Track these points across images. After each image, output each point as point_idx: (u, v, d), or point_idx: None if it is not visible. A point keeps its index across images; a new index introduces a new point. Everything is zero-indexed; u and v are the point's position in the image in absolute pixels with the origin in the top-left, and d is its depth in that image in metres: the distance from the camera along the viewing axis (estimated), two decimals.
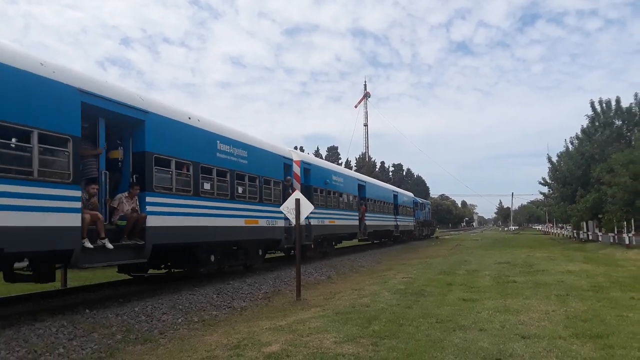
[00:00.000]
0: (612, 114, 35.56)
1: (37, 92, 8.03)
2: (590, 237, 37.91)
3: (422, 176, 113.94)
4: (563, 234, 53.15)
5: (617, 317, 8.29)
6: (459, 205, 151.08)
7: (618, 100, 35.27)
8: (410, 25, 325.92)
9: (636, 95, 34.08)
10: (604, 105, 36.23)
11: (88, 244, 8.78)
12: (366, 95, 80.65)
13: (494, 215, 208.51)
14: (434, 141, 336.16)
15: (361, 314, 8.93)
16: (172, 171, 11.21)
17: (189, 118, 12.17)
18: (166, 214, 10.92)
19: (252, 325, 8.60)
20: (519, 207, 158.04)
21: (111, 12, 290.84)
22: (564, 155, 41.32)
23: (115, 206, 10.07)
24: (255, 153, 15.19)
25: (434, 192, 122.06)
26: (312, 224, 19.22)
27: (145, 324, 8.75)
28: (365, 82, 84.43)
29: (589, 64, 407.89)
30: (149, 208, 10.43)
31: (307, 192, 18.92)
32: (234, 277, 14.08)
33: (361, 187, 28.05)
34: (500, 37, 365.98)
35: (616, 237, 30.11)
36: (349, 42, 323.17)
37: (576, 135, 39.98)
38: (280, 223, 16.44)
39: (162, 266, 13.25)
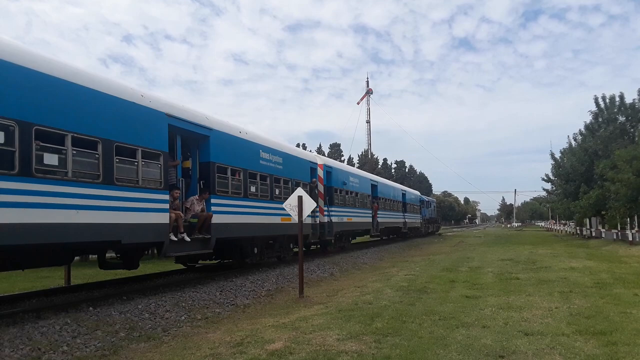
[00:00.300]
0: (615, 110, 35.45)
1: (140, 118, 10.16)
2: (594, 234, 37.81)
3: (424, 173, 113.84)
4: (566, 231, 53.06)
5: (621, 313, 8.28)
6: (462, 202, 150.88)
7: (622, 96, 35.17)
8: (412, 21, 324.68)
9: (639, 91, 33.98)
10: (607, 101, 36.12)
11: (173, 237, 10.96)
12: (368, 92, 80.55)
13: (497, 212, 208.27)
14: (436, 138, 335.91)
15: (364, 311, 8.94)
16: (228, 177, 13.43)
17: (240, 132, 14.44)
18: (225, 213, 13.01)
19: (255, 323, 8.61)
20: (521, 203, 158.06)
21: (112, 8, 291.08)
22: (567, 152, 41.23)
23: (188, 206, 12.07)
24: (288, 159, 17.48)
25: (437, 189, 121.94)
26: (333, 220, 21.33)
27: (148, 322, 8.77)
28: (367, 78, 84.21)
29: (591, 59, 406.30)
30: (213, 208, 12.54)
31: (329, 192, 21.55)
32: (237, 275, 14.11)
33: (374, 186, 29.85)
34: (502, 33, 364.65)
35: (619, 233, 30.00)
36: (350, 38, 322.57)
37: (579, 131, 39.94)
38: (308, 220, 18.36)
39: (213, 258, 15.00)
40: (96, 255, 12.23)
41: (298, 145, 53.45)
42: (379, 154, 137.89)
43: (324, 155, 73.68)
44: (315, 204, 12.19)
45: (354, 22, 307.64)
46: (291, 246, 18.59)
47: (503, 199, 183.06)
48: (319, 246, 22.64)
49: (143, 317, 8.95)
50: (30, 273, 15.84)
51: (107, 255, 11.72)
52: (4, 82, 7.36)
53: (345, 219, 23.28)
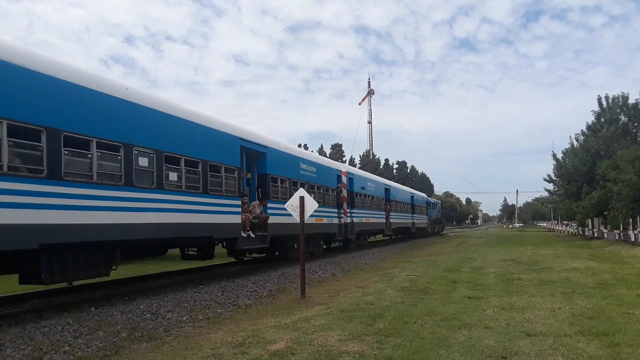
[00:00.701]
0: (618, 110, 35.39)
1: (224, 142, 13.38)
2: (596, 235, 37.72)
3: (426, 173, 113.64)
4: (568, 231, 52.94)
5: (623, 314, 8.25)
6: (464, 203, 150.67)
7: (625, 97, 35.10)
8: (413, 22, 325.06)
9: None
10: (610, 101, 36.06)
11: (244, 234, 14.03)
12: (370, 93, 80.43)
13: (499, 212, 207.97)
14: (437, 138, 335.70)
15: (366, 312, 8.93)
16: (278, 185, 16.62)
17: (286, 148, 17.92)
18: (277, 215, 15.79)
19: (256, 323, 8.61)
20: (523, 204, 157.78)
21: (113, 10, 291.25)
22: (569, 152, 41.14)
23: (251, 210, 15.09)
24: (320, 169, 20.71)
25: (438, 190, 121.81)
26: (354, 221, 24.23)
27: (150, 322, 8.77)
28: (369, 79, 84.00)
29: (593, 60, 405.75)
30: (269, 211, 15.67)
31: (351, 196, 24.60)
32: (238, 275, 14.10)
33: (387, 190, 32.88)
34: (503, 34, 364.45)
35: (622, 234, 29.93)
36: (351, 39, 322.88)
37: (582, 131, 39.87)
38: (335, 220, 21.85)
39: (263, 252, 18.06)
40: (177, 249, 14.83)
41: (300, 146, 53.70)
42: (381, 154, 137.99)
43: (325, 155, 73.75)
44: (316, 204, 12.30)
45: (354, 23, 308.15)
46: (321, 243, 22.13)
47: (505, 199, 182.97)
48: (340, 244, 25.37)
49: (145, 317, 8.96)
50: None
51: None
52: (164, 128, 11.04)
53: (364, 220, 26.21)
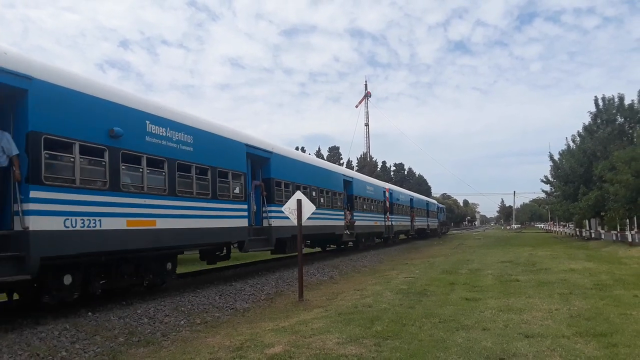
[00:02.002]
0: (614, 111, 35.49)
1: (232, 149, 14.02)
2: (593, 235, 37.82)
3: (423, 175, 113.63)
4: (565, 232, 53.05)
5: (621, 315, 8.26)
6: (461, 204, 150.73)
7: (621, 97, 35.21)
8: (408, 25, 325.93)
9: (639, 92, 34.02)
10: (606, 102, 36.18)
11: (347, 231, 21.83)
12: (367, 95, 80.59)
13: (496, 213, 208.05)
14: (434, 140, 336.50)
15: (364, 315, 8.92)
16: (287, 190, 17.24)
17: (292, 154, 19.29)
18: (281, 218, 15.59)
19: (254, 327, 8.59)
20: (521, 205, 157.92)
21: (108, 14, 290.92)
22: (566, 153, 41.22)
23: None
24: (331, 175, 22.87)
25: (436, 192, 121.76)
26: (393, 224, 33.52)
27: (147, 327, 8.74)
28: (366, 82, 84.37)
29: (587, 61, 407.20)
30: (272, 215, 16.28)
31: (391, 206, 33.11)
32: (236, 279, 14.08)
33: (411, 200, 42.24)
34: (498, 36, 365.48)
35: (619, 235, 30.02)
36: (346, 42, 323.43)
37: (578, 132, 39.94)
38: (383, 223, 29.87)
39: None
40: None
41: (297, 148, 53.90)
42: (378, 156, 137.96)
43: (322, 157, 73.80)
44: (314, 207, 12.30)
45: (349, 26, 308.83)
46: (374, 238, 30.60)
47: (502, 200, 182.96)
48: (382, 239, 33.22)
49: (142, 321, 8.93)
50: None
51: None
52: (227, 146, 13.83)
53: (398, 223, 35.66)
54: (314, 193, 19.87)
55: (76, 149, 8.67)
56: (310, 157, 22.80)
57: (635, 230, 27.42)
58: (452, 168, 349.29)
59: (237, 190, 13.86)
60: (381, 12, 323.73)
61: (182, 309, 10.11)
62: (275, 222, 15.96)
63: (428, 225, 48.87)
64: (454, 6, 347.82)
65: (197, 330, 8.87)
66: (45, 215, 8.02)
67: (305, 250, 23.05)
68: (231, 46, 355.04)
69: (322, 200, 20.76)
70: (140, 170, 10.10)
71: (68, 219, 8.40)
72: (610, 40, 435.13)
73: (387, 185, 34.40)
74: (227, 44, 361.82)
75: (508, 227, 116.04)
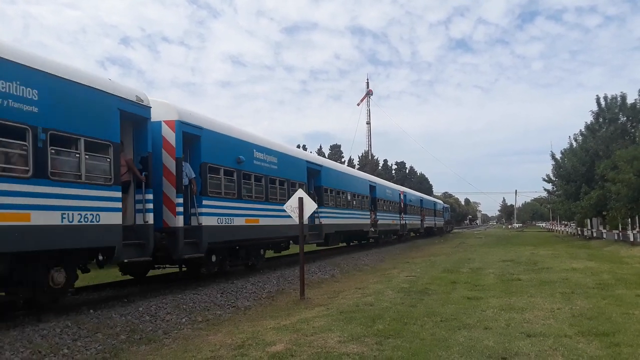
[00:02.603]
0: (616, 110, 35.42)
1: (298, 165, 18.18)
2: (595, 235, 37.75)
3: (425, 174, 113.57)
4: (567, 232, 52.99)
5: (623, 314, 8.25)
6: (462, 203, 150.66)
7: (623, 97, 35.15)
8: (409, 23, 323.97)
9: None
10: (608, 101, 36.11)
11: (372, 229, 27.63)
12: (369, 93, 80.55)
13: (498, 212, 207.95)
14: (435, 139, 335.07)
15: (365, 313, 8.92)
16: (332, 195, 21.72)
17: (335, 167, 24.48)
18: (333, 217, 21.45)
19: (256, 325, 8.59)
20: (522, 204, 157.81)
21: (109, 11, 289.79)
22: (568, 152, 41.16)
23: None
24: (360, 182, 27.27)
25: (437, 190, 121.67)
26: (407, 223, 38.05)
27: (149, 324, 8.75)
28: (367, 80, 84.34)
29: (589, 60, 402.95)
30: (322, 215, 19.99)
31: (405, 207, 37.50)
32: (237, 277, 14.09)
33: (421, 200, 47.25)
34: (499, 35, 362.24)
35: (621, 234, 29.96)
36: (347, 40, 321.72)
37: (580, 131, 39.90)
38: (398, 221, 33.76)
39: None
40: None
41: (299, 146, 54.21)
42: (379, 155, 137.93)
43: (323, 155, 73.85)
44: (315, 205, 12.40)
45: (350, 24, 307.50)
46: (392, 235, 35.33)
47: (504, 199, 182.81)
48: (395, 237, 36.81)
49: (144, 319, 8.93)
50: None
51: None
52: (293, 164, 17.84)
53: (411, 222, 40.77)
54: (349, 197, 24.30)
55: (222, 172, 12.89)
56: (345, 167, 28.84)
57: (637, 229, 27.36)
58: (454, 166, 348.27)
59: (365, 203, 20.93)
60: (382, 10, 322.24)
61: (184, 306, 10.11)
62: (324, 221, 20.06)
63: (435, 224, 53.74)
64: (456, 4, 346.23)
65: (198, 328, 8.88)
66: (209, 215, 12.13)
67: (341, 245, 27.55)
68: (232, 43, 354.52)
69: (354, 203, 25.30)
70: (250, 184, 14.25)
71: (219, 218, 12.56)
72: (612, 39, 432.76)
73: (402, 189, 40.50)
74: (228, 41, 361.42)
75: (509, 226, 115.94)
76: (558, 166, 42.77)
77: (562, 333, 7.04)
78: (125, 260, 9.87)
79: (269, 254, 17.99)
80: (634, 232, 27.18)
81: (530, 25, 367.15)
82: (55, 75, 8.15)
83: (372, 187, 29.52)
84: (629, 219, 28.61)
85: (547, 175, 45.63)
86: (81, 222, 8.46)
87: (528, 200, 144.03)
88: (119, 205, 9.39)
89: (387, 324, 7.90)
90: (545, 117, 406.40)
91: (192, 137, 11.80)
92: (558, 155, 43.11)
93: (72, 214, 8.30)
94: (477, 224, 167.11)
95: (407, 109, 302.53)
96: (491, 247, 29.75)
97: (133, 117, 10.07)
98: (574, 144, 40.67)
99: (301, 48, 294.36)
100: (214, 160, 12.50)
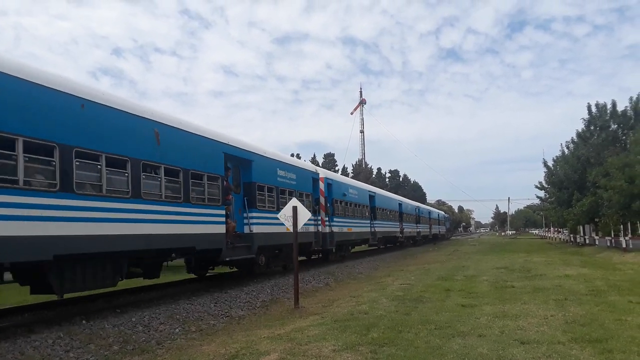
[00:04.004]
0: (607, 118, 35.74)
1: (313, 180, 20.86)
2: (587, 241, 37.95)
3: (418, 182, 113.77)
4: (560, 238, 53.21)
5: (616, 321, 8.28)
6: (456, 211, 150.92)
7: (614, 104, 35.49)
8: (400, 33, 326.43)
9: (631, 99, 34.31)
10: (599, 108, 36.44)
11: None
12: (362, 102, 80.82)
13: (491, 220, 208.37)
14: (427, 147, 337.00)
15: (360, 322, 8.90)
16: (341, 206, 23.82)
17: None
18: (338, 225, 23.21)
19: (250, 334, 8.55)
20: (515, 211, 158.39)
21: (100, 22, 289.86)
22: (560, 159, 41.42)
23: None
24: (360, 192, 28.46)
25: (431, 198, 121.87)
26: (421, 232, 49.33)
27: (142, 335, 8.69)
28: (360, 89, 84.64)
29: (578, 69, 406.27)
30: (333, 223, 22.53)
31: (417, 219, 47.40)
32: (231, 286, 14.03)
33: (429, 212, 59.06)
34: (489, 44, 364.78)
35: (613, 240, 30.15)
36: (339, 50, 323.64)
37: (572, 139, 40.17)
38: (367, 229, 29.60)
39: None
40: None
41: (293, 155, 54.26)
42: (372, 163, 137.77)
43: (317, 164, 73.88)
44: (310, 214, 12.40)
45: (341, 34, 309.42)
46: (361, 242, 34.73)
47: (497, 207, 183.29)
48: (412, 241, 45.83)
49: (137, 330, 8.87)
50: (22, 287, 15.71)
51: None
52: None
53: (425, 231, 52.67)
54: (388, 212, 34.26)
55: (266, 189, 16.03)
56: (355, 181, 32.37)
57: (630, 235, 27.55)
58: (447, 174, 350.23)
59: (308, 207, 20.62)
60: (373, 20, 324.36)
61: (177, 316, 10.05)
62: (335, 229, 22.26)
63: (439, 231, 66.12)
64: (445, 14, 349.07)
65: (192, 338, 8.83)
66: (257, 225, 15.08)
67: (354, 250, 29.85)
68: (224, 54, 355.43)
69: (390, 215, 35.25)
70: (285, 198, 16.78)
71: (264, 227, 15.45)
72: (601, 47, 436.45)
73: (416, 204, 51.93)
74: (220, 52, 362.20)
75: (502, 233, 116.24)
76: (550, 173, 43.01)
77: (556, 340, 7.05)
78: (227, 259, 13.67)
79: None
80: (626, 238, 27.36)
81: (519, 35, 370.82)
82: (196, 135, 12.56)
83: (400, 205, 39.78)
84: (621, 226, 28.81)
85: (540, 183, 45.87)
86: (208, 231, 12.62)
87: (521, 207, 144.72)
88: (223, 219, 13.31)
89: (381, 332, 7.89)
90: (536, 125, 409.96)
91: (244, 161, 15.23)
92: (550, 163, 43.41)
93: (206, 226, 12.51)
94: (470, 231, 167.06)
95: (399, 117, 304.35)
96: (485, 255, 29.81)
97: (234, 158, 14.61)
98: (566, 151, 40.96)
99: (293, 58, 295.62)
100: (262, 180, 15.89)
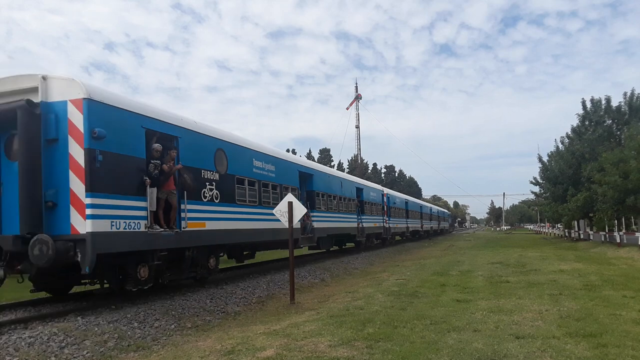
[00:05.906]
0: (602, 113, 35.83)
1: (350, 186, 26.62)
2: (582, 236, 38.17)
3: (413, 177, 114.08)
4: (555, 234, 53.48)
5: (610, 315, 8.34)
6: (452, 206, 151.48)
7: (608, 100, 35.58)
8: (393, 28, 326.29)
9: (625, 94, 34.42)
10: (594, 103, 36.54)
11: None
12: (358, 97, 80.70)
13: (486, 215, 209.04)
14: (422, 142, 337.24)
15: (355, 317, 8.92)
16: (321, 199, 22.30)
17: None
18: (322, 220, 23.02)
19: (246, 330, 8.55)
20: (510, 207, 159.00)
21: (93, 16, 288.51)
22: (555, 155, 41.54)
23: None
24: (368, 190, 30.58)
25: (426, 193, 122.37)
26: (433, 227, 60.92)
27: (138, 331, 8.67)
28: (356, 84, 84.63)
29: (571, 64, 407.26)
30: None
31: (429, 217, 57.78)
32: (227, 282, 14.02)
33: (431, 209, 63.93)
34: (482, 39, 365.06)
35: (607, 235, 30.33)
36: (333, 45, 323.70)
37: (567, 134, 40.28)
38: (380, 224, 32.58)
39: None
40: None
41: (288, 151, 54.44)
42: (368, 158, 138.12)
43: (313, 159, 73.91)
44: (305, 210, 12.39)
45: (335, 29, 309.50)
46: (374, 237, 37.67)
47: (492, 202, 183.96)
48: (417, 236, 50.47)
49: (132, 326, 8.85)
50: (19, 284, 15.66)
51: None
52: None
53: (433, 227, 60.98)
54: (422, 215, 45.21)
55: (321, 195, 21.53)
56: (367, 183, 33.75)
57: (623, 230, 27.71)
58: (442, 170, 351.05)
59: (352, 207, 26.36)
60: (366, 15, 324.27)
61: (173, 312, 10.04)
62: (365, 224, 27.68)
63: (445, 226, 79.05)
64: (439, 9, 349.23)
65: (188, 334, 8.82)
66: (317, 221, 19.98)
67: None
68: (217, 48, 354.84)
69: (423, 215, 47.52)
70: (332, 202, 23.14)
71: (330, 223, 21.86)
72: (594, 43, 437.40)
73: (424, 203, 60.42)
74: (213, 46, 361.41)
75: (498, 229, 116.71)
76: (545, 169, 43.13)
77: (551, 334, 7.09)
78: (302, 246, 19.81)
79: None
80: (620, 233, 27.53)
81: (512, 30, 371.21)
82: (280, 158, 17.55)
83: (421, 207, 52.74)
84: (615, 221, 28.96)
85: (535, 178, 45.98)
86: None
87: (516, 202, 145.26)
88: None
89: (377, 328, 7.91)
90: (530, 120, 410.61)
91: (307, 175, 20.23)
92: (545, 158, 43.54)
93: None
94: (465, 226, 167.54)
95: (393, 113, 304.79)
96: (480, 250, 29.93)
97: (303, 174, 19.61)
98: (561, 146, 41.07)
99: (287, 53, 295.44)
100: (318, 187, 21.13)
